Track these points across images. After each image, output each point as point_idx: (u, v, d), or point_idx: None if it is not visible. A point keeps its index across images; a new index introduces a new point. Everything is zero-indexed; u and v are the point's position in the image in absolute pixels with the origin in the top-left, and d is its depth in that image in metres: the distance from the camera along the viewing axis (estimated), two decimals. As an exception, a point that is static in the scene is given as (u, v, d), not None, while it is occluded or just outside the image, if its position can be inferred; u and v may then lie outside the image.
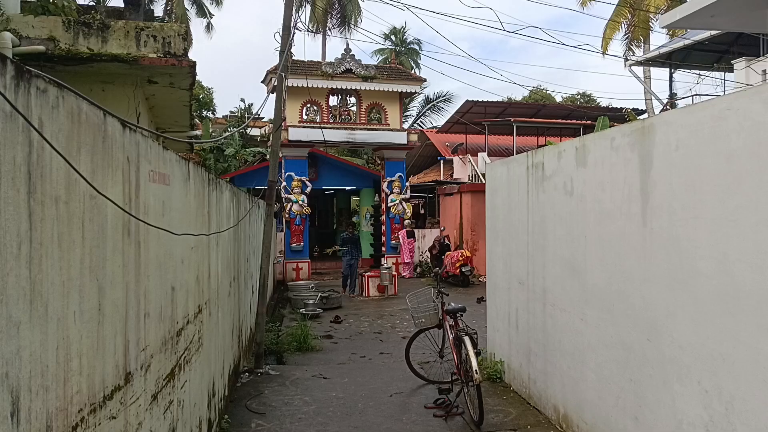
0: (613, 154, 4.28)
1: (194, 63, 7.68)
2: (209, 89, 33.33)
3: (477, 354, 6.19)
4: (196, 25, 37.13)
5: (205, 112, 31.91)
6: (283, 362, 8.50)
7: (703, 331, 3.38)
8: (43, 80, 1.66)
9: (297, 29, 7.61)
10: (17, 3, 8.26)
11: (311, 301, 12.93)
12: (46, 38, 7.36)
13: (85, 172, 1.94)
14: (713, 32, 12.85)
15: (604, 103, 40.29)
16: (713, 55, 17.57)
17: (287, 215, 17.51)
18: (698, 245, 3.39)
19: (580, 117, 26.39)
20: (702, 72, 17.22)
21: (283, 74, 7.71)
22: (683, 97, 18.87)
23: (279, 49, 7.99)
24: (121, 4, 10.71)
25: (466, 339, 5.71)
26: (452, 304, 6.34)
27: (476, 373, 5.43)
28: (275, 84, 9.77)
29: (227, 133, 22.71)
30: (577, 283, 4.93)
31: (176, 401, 3.48)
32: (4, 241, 1.44)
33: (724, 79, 17.97)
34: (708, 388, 3.34)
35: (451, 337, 6.26)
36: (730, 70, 15.13)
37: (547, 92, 45.69)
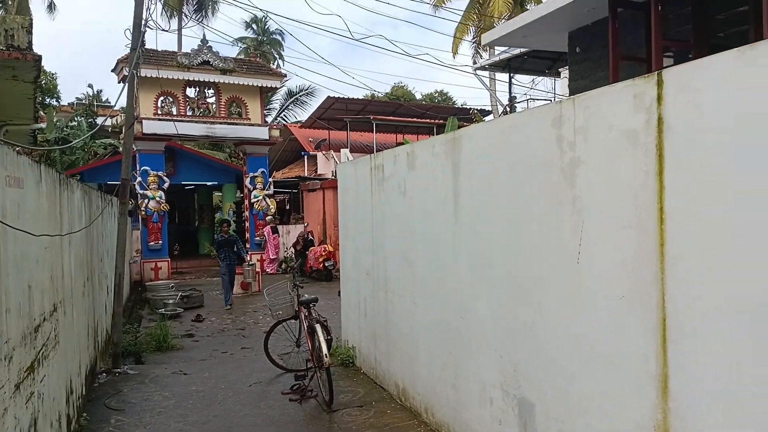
0: (434, 160, 5.06)
1: (40, 57, 7.49)
2: (53, 74, 30.89)
3: (329, 341, 6.78)
4: (37, 4, 34.19)
5: (48, 100, 29.56)
6: (142, 362, 8.51)
7: (497, 309, 4.21)
8: None
9: (149, 27, 7.66)
10: None
11: (171, 301, 12.82)
12: None
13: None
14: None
15: (460, 102, 42.96)
16: (546, 62, 19.72)
17: (143, 212, 16.96)
18: (492, 239, 4.22)
19: (434, 117, 28.11)
20: (536, 77, 19.26)
21: (135, 71, 7.74)
22: (520, 101, 20.96)
23: (130, 46, 7.99)
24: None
25: (318, 327, 6.28)
26: (306, 295, 6.87)
27: (326, 357, 6.01)
28: (126, 73, 9.63)
29: (73, 124, 21.28)
30: (410, 273, 5.69)
31: (36, 394, 3.67)
32: None
33: (554, 85, 20.23)
34: (502, 355, 4.18)
35: (305, 326, 6.79)
36: (559, 75, 17.21)
37: (407, 89, 47.70)
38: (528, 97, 21.23)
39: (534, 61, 18.78)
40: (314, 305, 6.74)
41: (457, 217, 4.72)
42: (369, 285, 6.91)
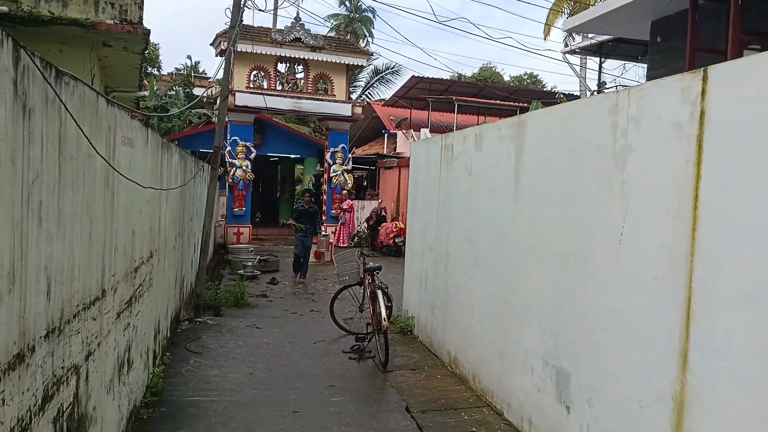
0: (500, 142, 5.31)
1: (149, 30, 8.25)
2: (155, 45, 32.79)
3: (389, 307, 7.22)
4: (144, -22, 36.17)
5: (150, 69, 31.47)
6: (221, 315, 9.28)
7: (546, 284, 4.47)
8: (69, 76, 2.46)
9: (247, 7, 8.24)
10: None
11: (250, 264, 13.68)
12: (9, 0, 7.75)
13: (82, 136, 2.74)
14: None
15: (549, 86, 41.91)
16: (639, 48, 19.09)
17: (230, 180, 18.00)
18: (547, 219, 4.46)
19: (518, 100, 27.76)
20: (627, 63, 18.68)
21: (233, 48, 8.36)
22: (609, 87, 20.39)
23: (229, 23, 8.63)
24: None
25: (379, 292, 6.72)
26: (371, 264, 7.32)
27: (384, 321, 6.45)
28: (223, 47, 10.32)
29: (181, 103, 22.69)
30: (470, 248, 5.99)
31: (132, 325, 4.31)
32: (44, 180, 2.26)
33: (646, 72, 19.51)
34: (545, 327, 4.44)
35: (368, 292, 7.25)
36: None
37: (495, 70, 47.04)
38: (617, 83, 20.60)
39: (626, 47, 18.22)
40: (378, 273, 7.19)
41: (517, 197, 4.97)
42: (432, 259, 7.26)
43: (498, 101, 27.60)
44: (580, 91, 27.99)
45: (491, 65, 46.92)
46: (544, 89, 36.44)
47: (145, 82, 18.84)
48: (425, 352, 7.22)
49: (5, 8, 7.27)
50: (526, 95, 28.40)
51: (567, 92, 26.90)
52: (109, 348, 3.49)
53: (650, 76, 7.98)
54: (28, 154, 2.09)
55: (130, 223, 4.06)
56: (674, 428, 3.00)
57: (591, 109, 3.94)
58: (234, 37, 8.18)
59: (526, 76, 47.53)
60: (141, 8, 8.30)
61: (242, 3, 8.24)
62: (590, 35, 16.43)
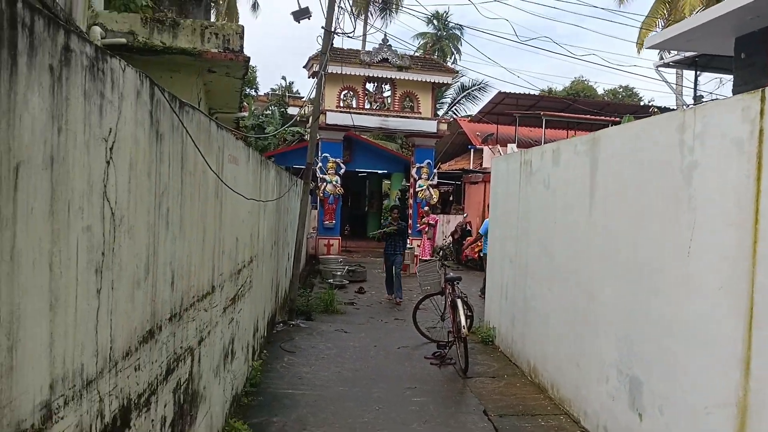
0: (576, 157, 5.47)
1: (248, 58, 9.05)
2: (253, 67, 34.82)
3: (470, 317, 7.45)
4: (243, 4, 38.55)
5: (248, 90, 33.44)
6: (312, 319, 9.88)
7: (619, 295, 4.58)
8: (189, 106, 2.99)
9: (336, 34, 8.84)
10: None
11: (339, 273, 14.33)
12: (126, 32, 8.78)
13: (199, 155, 3.27)
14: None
15: (647, 99, 40.30)
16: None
17: (321, 194, 18.88)
18: (619, 231, 4.59)
19: (610, 114, 27.03)
20: (723, 76, 17.85)
21: (323, 72, 8.98)
22: (705, 101, 19.52)
23: (320, 49, 9.29)
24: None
25: (459, 301, 6.99)
26: (451, 273, 7.60)
27: (464, 328, 6.71)
28: (315, 69, 11.05)
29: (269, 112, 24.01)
30: (547, 260, 6.14)
31: (235, 321, 4.86)
32: (171, 192, 2.77)
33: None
34: (619, 336, 4.55)
35: (449, 301, 7.53)
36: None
37: (587, 84, 45.83)
38: (713, 97, 19.72)
39: (723, 60, 17.57)
40: (458, 283, 7.45)
41: (591, 210, 5.12)
42: (511, 271, 7.44)
43: (587, 116, 27.01)
44: (677, 105, 26.87)
45: (584, 79, 45.68)
46: (641, 103, 35.10)
47: (245, 103, 20.15)
48: (505, 361, 7.38)
49: (123, 40, 8.27)
50: (617, 109, 27.61)
51: (662, 106, 25.89)
52: (216, 337, 4.01)
53: (735, 92, 7.78)
54: (159, 170, 2.60)
55: (234, 230, 4.61)
56: (738, 433, 3.08)
57: (660, 127, 4.07)
58: (324, 63, 8.80)
59: (620, 89, 45.91)
60: (242, 37, 9.11)
61: (332, 31, 8.85)
62: (684, 48, 15.89)
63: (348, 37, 17.10)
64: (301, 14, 8.75)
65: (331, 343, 7.95)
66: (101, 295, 1.94)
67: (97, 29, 8.61)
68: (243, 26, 9.48)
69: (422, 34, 43.41)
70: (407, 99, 19.46)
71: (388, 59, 18.67)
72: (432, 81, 19.04)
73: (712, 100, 20.78)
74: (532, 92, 29.05)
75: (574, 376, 5.38)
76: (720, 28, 7.30)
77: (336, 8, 8.74)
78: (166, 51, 8.84)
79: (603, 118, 26.75)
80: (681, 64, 20.56)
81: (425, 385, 6.39)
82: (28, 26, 1.42)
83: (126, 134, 2.12)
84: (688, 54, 18.42)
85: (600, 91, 45.09)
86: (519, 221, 7.14)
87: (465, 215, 20.55)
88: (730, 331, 3.18)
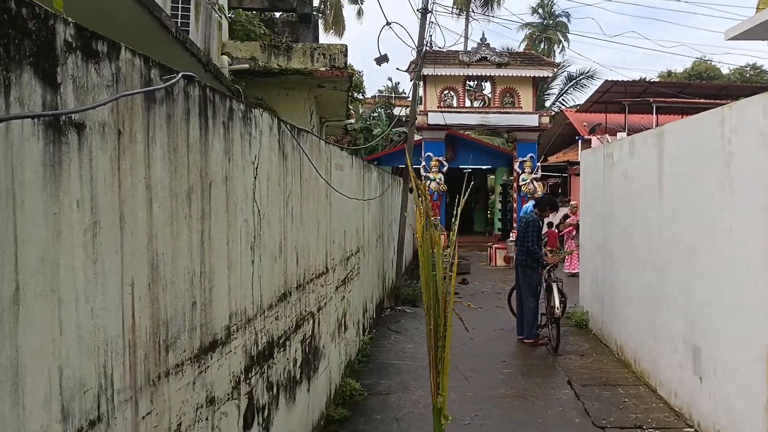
0: (647, 149, 5.94)
1: (352, 73, 10.16)
2: (359, 72, 36.41)
3: (563, 301, 7.99)
4: (348, 11, 40.34)
5: (355, 94, 35.09)
6: (417, 306, 10.80)
7: (681, 272, 5.06)
8: (304, 131, 3.99)
9: (428, 47, 9.68)
10: (226, 30, 11.24)
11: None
12: (249, 58, 10.18)
13: (312, 167, 4.26)
14: None
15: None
16: None
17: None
18: (680, 216, 5.06)
19: (729, 96, 25.58)
20: None
21: (417, 83, 9.87)
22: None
23: (414, 61, 10.17)
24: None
25: (554, 285, 7.59)
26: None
27: (556, 309, 7.31)
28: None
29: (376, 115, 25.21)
30: (628, 245, 6.61)
31: (345, 299, 5.87)
32: (293, 194, 3.77)
33: None
34: (683, 310, 5.03)
35: (544, 285, 8.12)
36: None
37: (711, 64, 42.99)
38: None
39: None
40: (554, 269, 8.03)
41: (661, 197, 5.59)
42: (599, 257, 7.91)
43: (703, 100, 25.71)
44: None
45: (706, 59, 42.56)
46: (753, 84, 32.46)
47: (352, 110, 21.50)
48: (596, 342, 7.87)
49: (246, 66, 9.65)
50: (738, 91, 26.02)
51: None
52: (331, 309, 5.03)
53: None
54: (285, 179, 3.60)
55: (342, 224, 5.62)
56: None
57: (707, 121, 4.54)
58: (417, 73, 9.67)
59: (748, 67, 42.34)
60: (345, 56, 10.24)
61: (425, 44, 9.71)
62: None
63: (438, 48, 17.67)
64: (382, 60, 9.78)
65: (433, 326, 8.82)
66: (254, 264, 2.94)
67: (225, 58, 10.11)
68: (346, 45, 10.62)
69: (527, 25, 42.89)
70: (507, 95, 19.85)
71: (486, 57, 19.20)
72: (532, 75, 19.31)
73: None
74: (645, 75, 28.06)
75: (652, 349, 5.86)
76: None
77: (427, 24, 9.58)
78: (282, 72, 10.15)
79: (718, 101, 25.39)
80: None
81: (516, 360, 7.09)
82: (212, 101, 2.42)
83: (264, 157, 3.11)
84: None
85: (725, 70, 42.05)
86: (604, 209, 7.60)
87: (570, 207, 20.55)
88: (764, 298, 3.66)
